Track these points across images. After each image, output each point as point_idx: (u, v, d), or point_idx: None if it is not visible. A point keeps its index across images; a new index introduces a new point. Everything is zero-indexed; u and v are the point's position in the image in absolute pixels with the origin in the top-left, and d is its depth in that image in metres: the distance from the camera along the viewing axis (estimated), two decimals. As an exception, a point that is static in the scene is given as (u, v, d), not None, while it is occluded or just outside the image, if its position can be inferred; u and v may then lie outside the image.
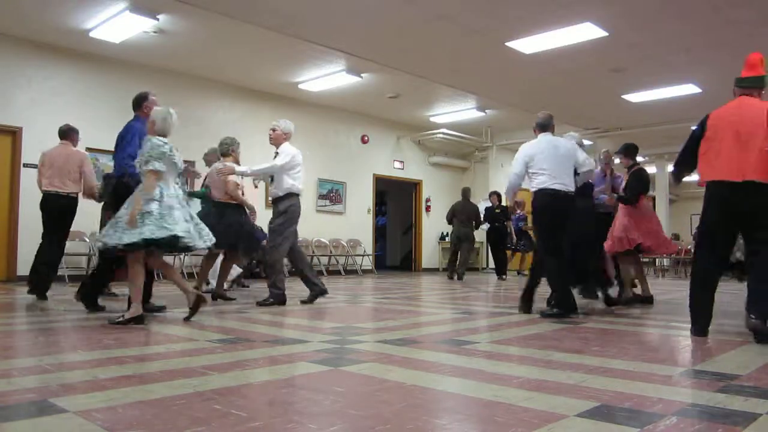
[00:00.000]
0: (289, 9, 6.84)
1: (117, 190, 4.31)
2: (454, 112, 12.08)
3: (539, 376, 2.33)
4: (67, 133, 5.86)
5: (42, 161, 5.69)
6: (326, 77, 9.73)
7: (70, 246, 6.74)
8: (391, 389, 2.10)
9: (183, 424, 1.65)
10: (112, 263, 4.40)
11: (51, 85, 8.25)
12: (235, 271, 6.64)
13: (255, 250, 6.09)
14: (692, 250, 13.57)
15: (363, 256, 12.27)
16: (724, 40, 7.57)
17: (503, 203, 10.55)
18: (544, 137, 4.71)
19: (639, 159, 5.92)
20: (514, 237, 10.83)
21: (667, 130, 12.68)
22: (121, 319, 3.73)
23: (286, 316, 4.39)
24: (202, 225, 4.11)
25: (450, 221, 10.30)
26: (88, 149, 7.66)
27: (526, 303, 4.74)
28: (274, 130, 5.26)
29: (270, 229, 5.19)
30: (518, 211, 10.68)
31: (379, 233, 14.92)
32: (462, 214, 10.08)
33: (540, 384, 2.21)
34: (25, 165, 7.97)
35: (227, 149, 5.62)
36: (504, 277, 10.40)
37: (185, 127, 7.51)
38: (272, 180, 5.17)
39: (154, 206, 3.77)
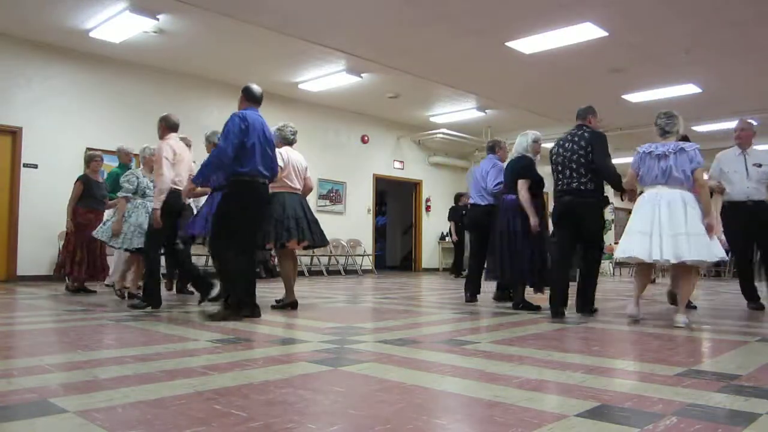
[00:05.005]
0: (289, 9, 6.84)
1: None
2: (454, 112, 12.08)
3: (539, 376, 2.33)
4: (178, 125, 5.14)
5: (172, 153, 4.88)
6: (326, 77, 9.72)
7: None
8: (391, 389, 2.10)
9: (183, 424, 1.65)
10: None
11: (51, 85, 8.25)
12: None
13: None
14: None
15: (363, 256, 12.27)
16: (724, 40, 7.57)
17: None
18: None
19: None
20: None
21: (667, 130, 12.67)
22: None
23: (287, 316, 4.39)
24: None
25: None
26: (89, 149, 7.66)
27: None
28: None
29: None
30: None
31: (379, 233, 14.92)
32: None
33: (540, 384, 2.21)
34: (25, 165, 7.97)
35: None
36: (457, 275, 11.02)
37: (185, 127, 7.50)
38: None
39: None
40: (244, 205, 4.15)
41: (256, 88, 4.39)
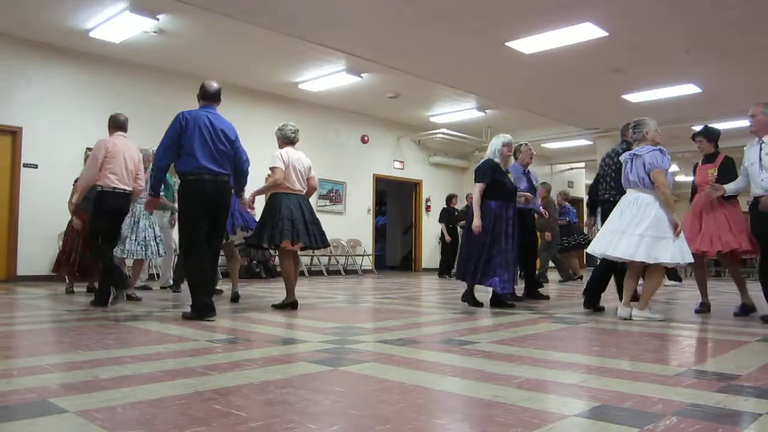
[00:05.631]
0: (289, 9, 6.84)
1: None
2: (454, 112, 12.08)
3: (539, 376, 2.33)
4: (125, 124, 5.27)
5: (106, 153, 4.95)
6: (326, 77, 9.72)
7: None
8: (391, 389, 2.10)
9: (183, 424, 1.65)
10: None
11: (51, 85, 8.25)
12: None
13: None
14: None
15: (363, 256, 12.27)
16: (725, 40, 7.57)
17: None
18: None
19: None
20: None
21: (668, 130, 12.61)
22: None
23: (287, 317, 4.39)
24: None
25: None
26: (89, 149, 7.65)
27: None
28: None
29: None
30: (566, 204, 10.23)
31: (379, 233, 14.92)
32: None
33: (540, 384, 2.21)
34: (25, 165, 7.97)
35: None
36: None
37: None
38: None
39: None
40: (189, 203, 4.16)
41: (211, 85, 4.39)
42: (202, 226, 4.15)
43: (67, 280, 6.32)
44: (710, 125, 5.07)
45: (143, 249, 5.68)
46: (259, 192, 5.01)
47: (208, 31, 7.81)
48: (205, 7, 6.81)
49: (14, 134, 7.96)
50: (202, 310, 4.04)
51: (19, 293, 6.20)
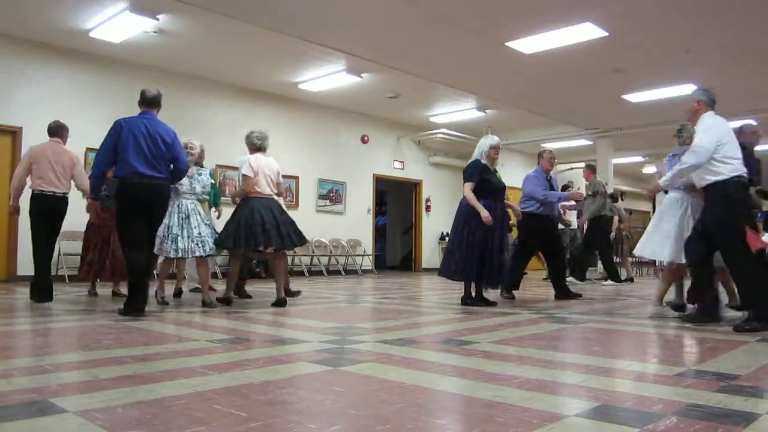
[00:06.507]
0: (289, 9, 6.84)
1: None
2: (454, 112, 12.07)
3: (539, 376, 2.33)
4: (57, 131, 5.64)
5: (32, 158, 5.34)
6: (326, 77, 9.72)
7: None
8: (391, 389, 2.10)
9: (183, 424, 1.65)
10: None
11: (51, 85, 8.24)
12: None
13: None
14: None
15: (363, 256, 12.27)
16: (724, 40, 7.58)
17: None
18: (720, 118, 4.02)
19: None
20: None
21: (668, 130, 12.63)
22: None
23: (286, 316, 4.39)
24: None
25: None
26: (89, 149, 7.66)
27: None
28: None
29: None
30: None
31: (379, 233, 14.92)
32: None
33: (540, 384, 2.21)
34: (26, 165, 7.96)
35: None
36: None
37: (186, 128, 7.51)
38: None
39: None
40: (123, 206, 4.31)
41: (149, 91, 4.58)
42: (138, 227, 4.30)
43: (89, 282, 6.16)
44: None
45: (200, 246, 5.00)
46: (235, 196, 5.26)
47: (208, 31, 7.81)
48: (205, 7, 6.81)
49: (14, 134, 7.96)
50: (139, 309, 4.22)
51: (20, 293, 6.20)
